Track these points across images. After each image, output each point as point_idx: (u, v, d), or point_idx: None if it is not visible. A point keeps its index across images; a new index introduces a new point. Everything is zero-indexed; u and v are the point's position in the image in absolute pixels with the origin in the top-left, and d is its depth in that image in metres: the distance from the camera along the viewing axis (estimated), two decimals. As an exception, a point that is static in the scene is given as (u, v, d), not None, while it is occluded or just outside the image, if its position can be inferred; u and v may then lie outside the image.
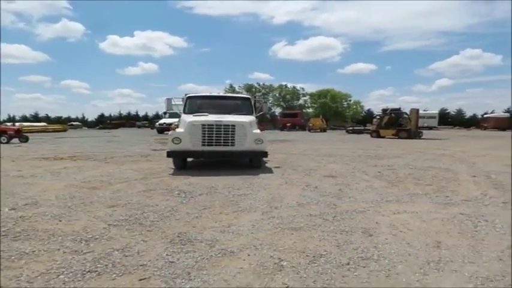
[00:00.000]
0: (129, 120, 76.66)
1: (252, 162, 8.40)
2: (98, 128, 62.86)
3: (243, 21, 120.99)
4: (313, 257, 2.95)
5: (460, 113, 69.15)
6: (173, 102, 9.62)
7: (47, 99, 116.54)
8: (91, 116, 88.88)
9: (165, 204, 4.76)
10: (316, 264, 2.80)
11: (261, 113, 9.93)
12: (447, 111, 67.80)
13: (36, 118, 74.95)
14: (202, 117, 7.97)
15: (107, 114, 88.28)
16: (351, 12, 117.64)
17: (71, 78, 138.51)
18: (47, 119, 75.52)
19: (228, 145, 7.67)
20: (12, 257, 2.92)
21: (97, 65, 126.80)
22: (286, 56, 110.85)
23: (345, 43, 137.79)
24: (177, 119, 35.60)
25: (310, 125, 44.21)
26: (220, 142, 7.65)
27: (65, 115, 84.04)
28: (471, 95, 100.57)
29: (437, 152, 13.50)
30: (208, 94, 10.27)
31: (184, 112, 8.90)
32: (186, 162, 8.31)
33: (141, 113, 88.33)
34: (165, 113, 9.67)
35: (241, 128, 7.72)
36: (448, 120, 62.28)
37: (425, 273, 2.63)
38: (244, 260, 2.90)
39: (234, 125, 7.67)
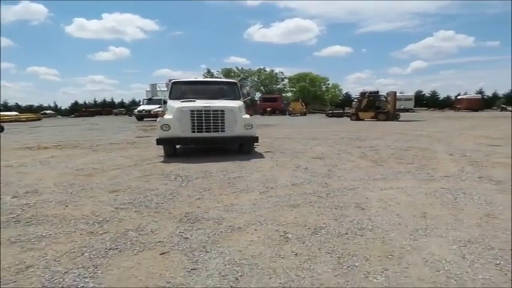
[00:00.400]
0: (105, 108, 74.73)
1: (242, 147, 8.37)
2: (73, 116, 61.21)
3: (215, 3, 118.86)
4: (315, 229, 3.25)
5: (434, 94, 71.28)
6: (158, 88, 9.53)
7: (13, 87, 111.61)
8: (63, 104, 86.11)
9: (165, 188, 4.94)
10: (318, 235, 3.09)
11: (248, 97, 9.85)
12: (422, 93, 69.78)
13: (6, 107, 71.87)
14: (190, 103, 7.85)
15: (79, 101, 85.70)
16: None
17: (38, 64, 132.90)
18: (18, 107, 72.69)
19: (218, 131, 7.62)
20: (32, 240, 3.07)
21: (65, 50, 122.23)
22: (262, 39, 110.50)
23: (321, 25, 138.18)
24: (156, 106, 35.20)
25: (291, 109, 44.67)
26: (210, 128, 7.59)
27: (34, 103, 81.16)
28: (444, 76, 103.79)
29: (415, 133, 14.12)
30: (193, 79, 10.17)
31: (170, 98, 8.69)
32: (176, 150, 8.23)
33: (117, 100, 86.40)
34: (149, 99, 9.43)
35: (231, 113, 7.67)
36: (423, 102, 64.21)
37: (415, 239, 2.98)
38: (252, 234, 3.16)
39: (223, 111, 7.60)
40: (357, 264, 2.52)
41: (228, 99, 8.55)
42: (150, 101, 34.13)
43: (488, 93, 65.18)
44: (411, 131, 14.95)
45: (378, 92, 27.74)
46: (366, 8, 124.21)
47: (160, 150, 8.58)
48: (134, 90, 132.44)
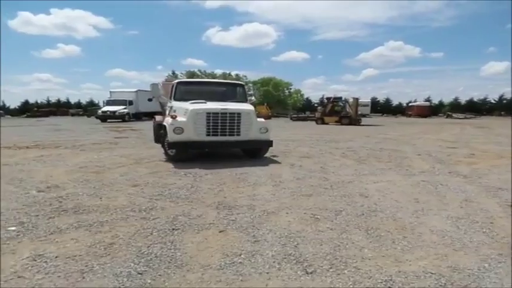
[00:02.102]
0: (59, 108, 71.01)
1: (256, 153, 8.10)
2: (25, 117, 57.62)
3: (173, 3, 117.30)
4: (335, 212, 3.91)
5: (388, 101, 75.71)
6: (160, 89, 9.34)
7: None
8: (7, 103, 79.85)
9: (183, 183, 5.37)
10: (341, 216, 3.75)
11: (253, 100, 9.29)
12: (377, 99, 73.80)
13: None
14: (202, 104, 7.40)
15: (23, 100, 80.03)
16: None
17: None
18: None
19: (234, 135, 7.36)
20: (94, 225, 3.43)
21: (7, 45, 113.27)
22: (220, 41, 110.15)
23: (279, 31, 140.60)
24: (121, 107, 34.18)
25: (256, 112, 45.43)
26: (226, 131, 7.29)
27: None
28: (394, 84, 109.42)
29: (380, 136, 15.40)
30: (199, 80, 10.21)
31: (175, 99, 8.25)
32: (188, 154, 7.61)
33: (73, 100, 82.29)
34: (149, 99, 8.95)
35: (247, 117, 7.45)
36: (378, 108, 67.90)
37: (418, 217, 3.74)
38: (286, 216, 3.75)
39: (239, 113, 7.36)
40: (382, 234, 3.21)
41: (236, 101, 8.33)
42: (113, 102, 33.45)
43: (435, 101, 70.41)
44: (375, 135, 16.25)
45: (341, 97, 29.38)
46: (319, 16, 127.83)
47: (151, 149, 8.92)
48: (85, 90, 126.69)
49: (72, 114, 63.10)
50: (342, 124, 26.51)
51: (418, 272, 2.47)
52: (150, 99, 9.79)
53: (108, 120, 31.30)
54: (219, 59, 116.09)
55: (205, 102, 7.52)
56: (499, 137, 14.77)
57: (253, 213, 3.82)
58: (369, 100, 56.33)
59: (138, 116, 33.45)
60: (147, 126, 17.42)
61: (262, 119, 8.12)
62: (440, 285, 2.27)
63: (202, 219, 3.61)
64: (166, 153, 7.80)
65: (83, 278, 2.38)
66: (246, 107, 7.85)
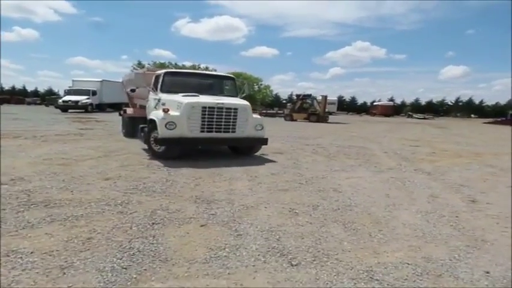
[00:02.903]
0: (14, 96, 66.82)
1: (250, 150, 7.89)
2: (-24, 104, 53.68)
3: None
4: (313, 206, 4.01)
5: (353, 100, 78.07)
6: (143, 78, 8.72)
7: None
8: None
9: (158, 177, 5.27)
10: (318, 210, 3.86)
11: (243, 95, 8.52)
12: (343, 98, 75.84)
13: None
14: (197, 98, 6.89)
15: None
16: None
17: None
18: None
19: (229, 131, 6.97)
20: (69, 219, 3.30)
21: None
22: (190, 33, 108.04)
23: (250, 25, 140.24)
24: (84, 97, 32.72)
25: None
26: (221, 128, 6.87)
27: None
28: (359, 84, 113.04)
29: (347, 134, 15.88)
30: (189, 71, 9.48)
31: (162, 91, 7.59)
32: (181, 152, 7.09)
33: (30, 88, 77.73)
34: (132, 90, 8.01)
35: (243, 112, 7.04)
36: (344, 106, 69.81)
37: (390, 211, 3.92)
38: (265, 210, 3.81)
39: (236, 109, 6.94)
40: (359, 228, 3.34)
41: (226, 95, 7.96)
42: (75, 92, 31.90)
43: (398, 101, 73.48)
44: (343, 132, 16.73)
45: (310, 95, 29.91)
46: (291, 12, 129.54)
47: (120, 142, 8.66)
48: (42, 78, 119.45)
49: (29, 103, 59.60)
50: (310, 121, 27.03)
51: (395, 262, 2.61)
52: (133, 90, 9.15)
53: (70, 111, 29.84)
54: (188, 51, 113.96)
55: (197, 95, 7.02)
56: (457, 137, 15.74)
57: (233, 208, 3.84)
58: (336, 98, 57.78)
59: (101, 107, 32.18)
60: (113, 118, 16.90)
61: (258, 115, 7.77)
62: (418, 275, 2.42)
63: (181, 214, 3.58)
64: (150, 149, 7.23)
65: (64, 273, 2.29)
66: (242, 102, 7.37)
